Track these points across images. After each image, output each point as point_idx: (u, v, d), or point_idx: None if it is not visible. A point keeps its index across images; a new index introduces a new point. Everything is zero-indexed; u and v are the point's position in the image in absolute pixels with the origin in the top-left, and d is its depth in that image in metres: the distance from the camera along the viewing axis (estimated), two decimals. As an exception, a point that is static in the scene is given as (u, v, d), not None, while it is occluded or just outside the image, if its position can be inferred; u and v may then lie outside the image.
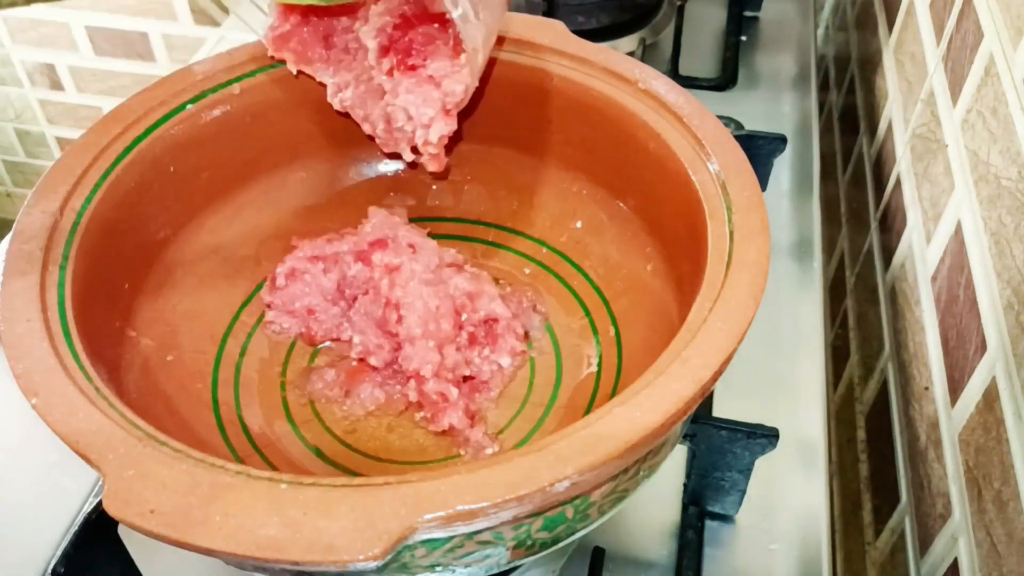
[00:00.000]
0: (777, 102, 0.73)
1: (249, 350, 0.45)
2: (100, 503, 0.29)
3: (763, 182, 0.58)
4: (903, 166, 0.61)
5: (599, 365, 0.44)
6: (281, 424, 0.43)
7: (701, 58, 0.78)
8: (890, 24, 0.71)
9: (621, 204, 0.47)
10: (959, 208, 0.50)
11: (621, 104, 0.43)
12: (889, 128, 0.66)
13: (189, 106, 0.43)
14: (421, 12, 0.42)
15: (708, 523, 0.46)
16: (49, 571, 0.38)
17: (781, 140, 0.58)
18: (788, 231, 0.62)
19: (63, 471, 0.47)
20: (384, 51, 0.43)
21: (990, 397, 0.42)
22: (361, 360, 0.45)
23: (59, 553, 0.38)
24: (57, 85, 1.20)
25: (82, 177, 0.39)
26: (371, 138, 0.46)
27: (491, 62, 0.46)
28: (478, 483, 0.28)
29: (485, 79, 0.47)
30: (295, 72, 0.45)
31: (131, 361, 0.39)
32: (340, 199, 0.50)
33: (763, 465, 0.43)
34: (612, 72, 0.44)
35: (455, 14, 0.38)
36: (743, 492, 0.45)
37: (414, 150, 0.44)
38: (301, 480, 0.29)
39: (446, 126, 0.42)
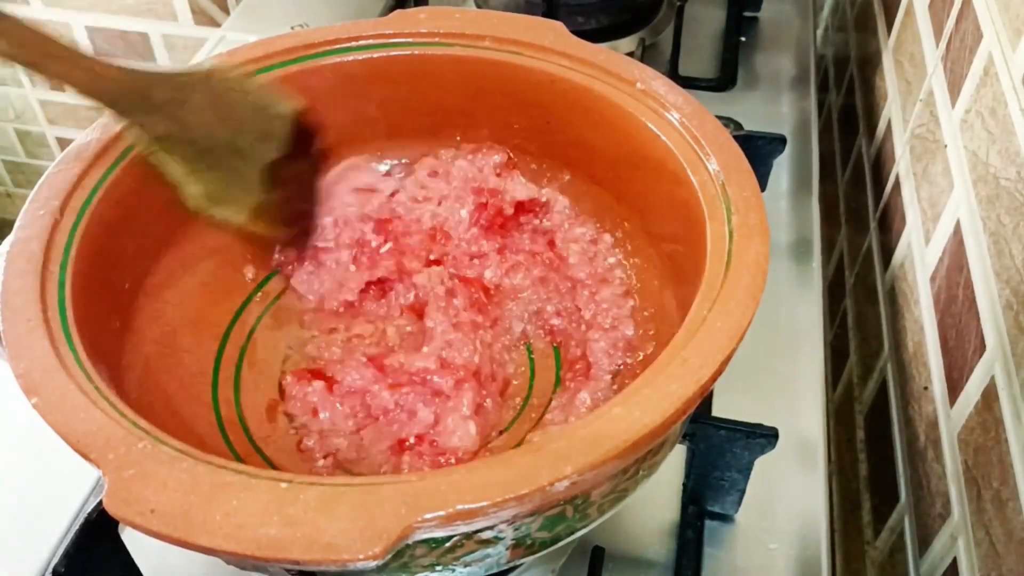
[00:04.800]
0: (776, 102, 0.73)
1: (249, 349, 0.45)
2: (101, 502, 0.29)
3: (762, 182, 0.58)
4: (902, 166, 0.62)
5: (599, 365, 0.44)
6: (282, 423, 0.43)
7: (700, 59, 0.78)
8: (889, 24, 0.71)
9: (620, 204, 0.47)
10: (958, 208, 0.50)
11: (621, 105, 0.43)
12: (888, 128, 0.66)
13: (189, 106, 0.43)
14: None
15: (707, 523, 0.46)
16: (50, 571, 0.38)
17: (780, 140, 0.58)
18: (787, 231, 0.63)
19: (63, 471, 0.47)
20: None
21: (989, 397, 0.42)
22: None
23: (60, 553, 0.38)
24: (58, 85, 1.19)
25: (83, 177, 0.39)
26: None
27: (491, 63, 0.46)
28: (478, 482, 0.28)
29: (486, 80, 0.47)
30: None
31: (132, 361, 0.39)
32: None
33: (762, 465, 0.43)
34: (612, 73, 0.44)
35: None
36: (742, 492, 0.45)
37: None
38: (301, 479, 0.29)
39: None
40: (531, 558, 0.34)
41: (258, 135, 0.42)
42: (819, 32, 0.95)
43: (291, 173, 0.44)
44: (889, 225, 0.63)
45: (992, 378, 0.42)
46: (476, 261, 0.47)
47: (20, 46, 0.37)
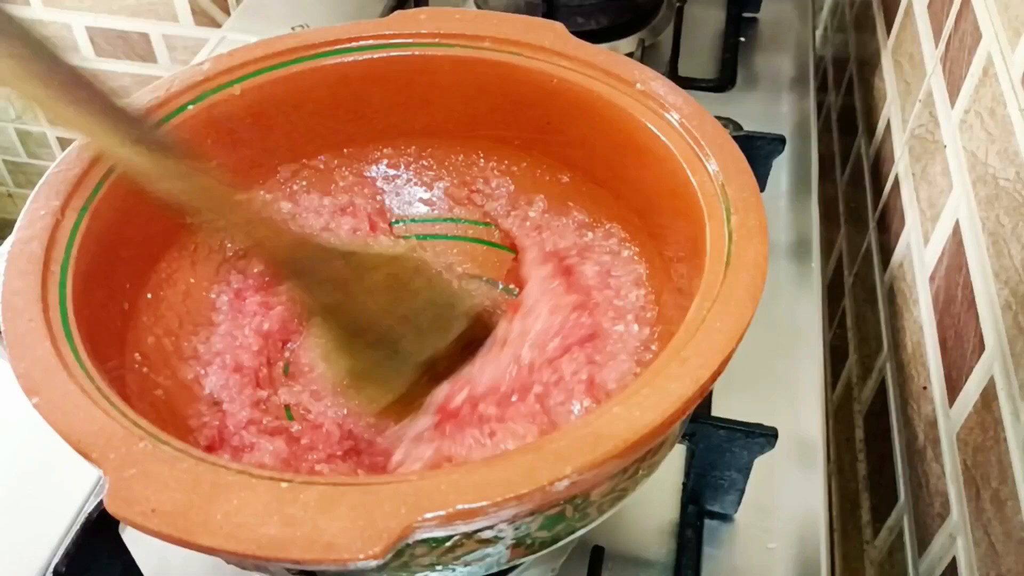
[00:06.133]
0: (776, 103, 0.73)
1: (250, 350, 0.45)
2: (101, 502, 0.29)
3: (762, 183, 0.58)
4: (901, 167, 0.62)
5: (598, 365, 0.44)
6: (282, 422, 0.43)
7: (700, 59, 0.78)
8: (888, 25, 0.71)
9: (620, 205, 0.47)
10: (957, 208, 0.50)
11: (620, 105, 0.43)
12: (887, 129, 0.66)
13: (190, 107, 0.43)
14: None
15: (707, 522, 0.46)
16: (50, 570, 0.38)
17: (780, 141, 0.58)
18: (787, 231, 0.63)
19: (64, 470, 0.47)
20: None
21: (988, 397, 0.42)
22: None
23: (60, 552, 0.38)
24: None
25: (84, 177, 0.39)
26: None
27: (491, 64, 0.46)
28: (478, 482, 0.28)
29: (486, 80, 0.47)
30: None
31: (132, 360, 0.40)
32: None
33: (762, 464, 0.44)
34: (611, 73, 0.44)
35: None
36: (742, 491, 0.45)
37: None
38: (301, 479, 0.29)
39: None
40: (531, 558, 0.34)
41: (429, 325, 0.39)
42: (818, 33, 0.95)
43: (444, 367, 0.39)
44: (888, 225, 0.63)
45: (991, 378, 0.42)
46: None
47: (200, 197, 0.35)
